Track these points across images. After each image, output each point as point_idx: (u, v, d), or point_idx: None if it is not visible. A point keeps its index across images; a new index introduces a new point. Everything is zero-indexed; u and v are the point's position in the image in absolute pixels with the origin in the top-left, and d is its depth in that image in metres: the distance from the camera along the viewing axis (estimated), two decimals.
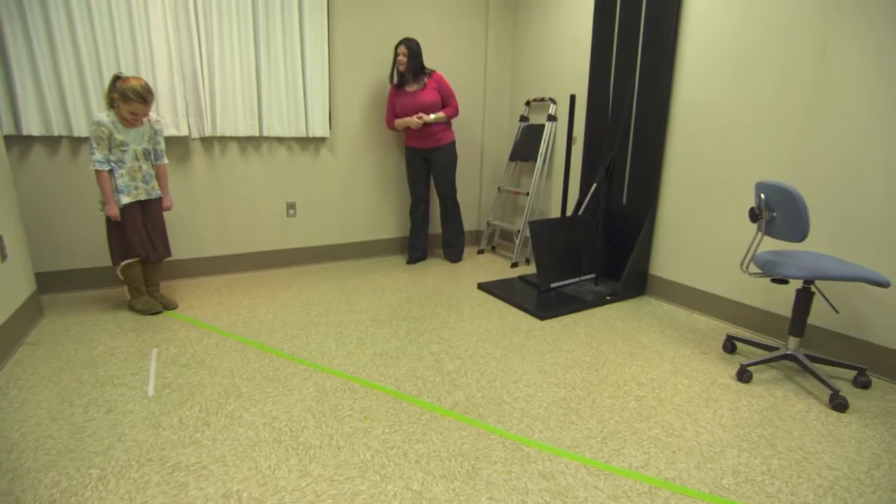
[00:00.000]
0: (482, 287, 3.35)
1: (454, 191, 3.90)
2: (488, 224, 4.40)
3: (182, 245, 3.36)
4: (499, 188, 4.37)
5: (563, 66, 3.85)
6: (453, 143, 3.79)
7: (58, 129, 2.84)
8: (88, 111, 2.88)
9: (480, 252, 4.33)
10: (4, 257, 2.33)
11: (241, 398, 1.98)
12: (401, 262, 4.00)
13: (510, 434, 1.79)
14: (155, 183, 2.75)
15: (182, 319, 2.73)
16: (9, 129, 2.74)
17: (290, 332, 2.60)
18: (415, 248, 4.02)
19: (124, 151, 2.57)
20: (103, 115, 2.49)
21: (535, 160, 3.98)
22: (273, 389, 2.05)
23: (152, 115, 2.69)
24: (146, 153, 2.67)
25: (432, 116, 3.61)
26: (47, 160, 2.90)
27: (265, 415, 1.87)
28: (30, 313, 2.56)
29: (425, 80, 3.63)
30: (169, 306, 2.86)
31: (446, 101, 3.67)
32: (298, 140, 3.62)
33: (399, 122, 3.68)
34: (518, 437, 1.77)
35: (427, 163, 3.85)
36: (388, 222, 4.15)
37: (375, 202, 4.04)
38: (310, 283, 3.40)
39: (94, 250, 3.10)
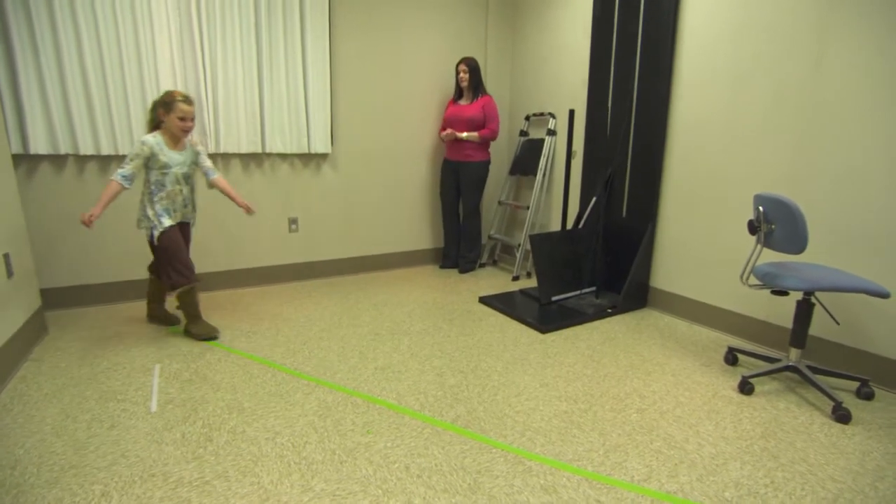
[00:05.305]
0: (483, 301, 3.36)
1: (476, 206, 4.05)
2: (490, 237, 4.43)
3: None
4: (499, 202, 4.40)
5: (562, 82, 3.90)
6: (484, 163, 3.97)
7: (64, 148, 2.88)
8: (94, 130, 2.93)
9: (482, 265, 4.35)
10: (10, 274, 2.36)
11: (243, 413, 1.98)
12: (403, 276, 4.02)
13: (512, 448, 1.79)
14: (192, 208, 2.74)
15: (185, 335, 2.74)
16: (17, 147, 2.78)
17: (292, 347, 2.61)
18: (445, 255, 4.27)
19: (165, 174, 2.53)
20: (149, 135, 2.49)
21: (535, 174, 4.02)
22: (276, 404, 2.05)
23: (193, 137, 2.69)
24: (186, 177, 2.64)
25: (464, 135, 3.82)
26: (53, 178, 2.94)
27: (268, 430, 1.87)
28: (34, 329, 2.58)
29: (478, 97, 3.84)
30: (172, 322, 2.88)
31: (487, 122, 3.85)
32: (300, 156, 3.66)
33: (442, 134, 3.96)
34: (520, 451, 1.77)
35: (456, 175, 4.01)
36: (390, 237, 4.17)
37: (377, 217, 4.07)
38: (311, 298, 3.41)
39: (98, 267, 3.13)
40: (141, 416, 1.95)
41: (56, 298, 3.05)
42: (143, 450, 1.74)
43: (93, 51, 2.86)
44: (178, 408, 2.02)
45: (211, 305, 3.22)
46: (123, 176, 2.44)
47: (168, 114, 2.48)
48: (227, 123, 3.29)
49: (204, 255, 3.43)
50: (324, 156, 3.75)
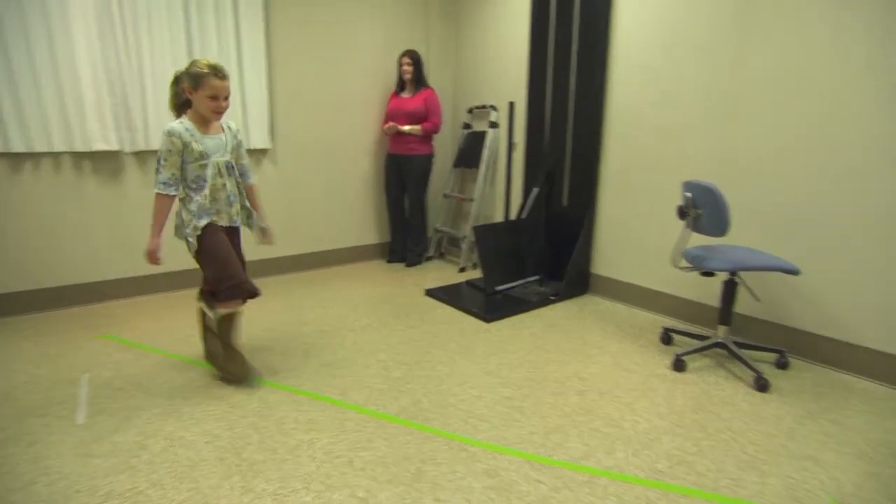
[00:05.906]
0: (430, 293, 3.37)
1: (421, 199, 4.06)
2: (436, 230, 4.44)
3: (118, 264, 3.20)
4: (444, 195, 4.42)
5: (503, 75, 3.95)
6: (428, 156, 3.98)
7: None
8: (22, 124, 2.71)
9: (429, 259, 4.36)
10: None
11: (181, 419, 1.91)
12: (348, 272, 3.97)
13: (455, 435, 1.81)
14: (238, 207, 2.20)
15: (117, 341, 2.60)
16: None
17: None
18: (392, 250, 4.25)
19: (204, 166, 2.04)
20: (175, 122, 2.00)
21: (478, 166, 4.06)
22: (215, 407, 1.99)
23: (232, 123, 2.21)
24: (229, 168, 2.13)
25: (407, 128, 3.82)
26: None
27: (207, 434, 1.81)
28: None
29: (420, 90, 3.85)
30: (246, 371, 2.21)
31: (429, 115, 3.86)
32: None
33: (385, 127, 3.92)
34: (463, 438, 1.79)
35: (400, 168, 3.99)
36: (334, 233, 4.11)
37: (320, 213, 4.00)
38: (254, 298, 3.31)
39: (11, 273, 2.91)
40: (66, 430, 1.84)
41: None
42: (67, 465, 1.64)
43: None
44: (110, 418, 1.91)
45: (148, 309, 3.06)
46: (164, 183, 1.99)
47: (196, 90, 1.97)
48: (158, 119, 3.11)
49: (138, 259, 3.24)
50: (263, 151, 3.64)
